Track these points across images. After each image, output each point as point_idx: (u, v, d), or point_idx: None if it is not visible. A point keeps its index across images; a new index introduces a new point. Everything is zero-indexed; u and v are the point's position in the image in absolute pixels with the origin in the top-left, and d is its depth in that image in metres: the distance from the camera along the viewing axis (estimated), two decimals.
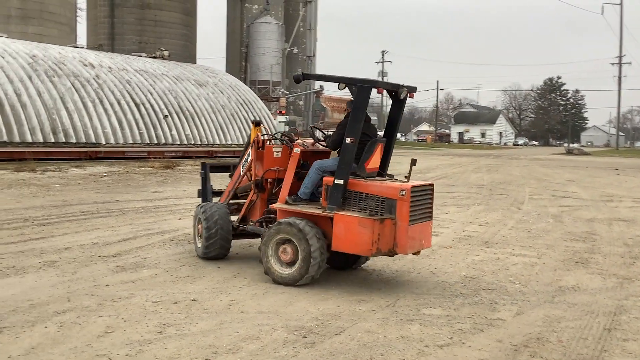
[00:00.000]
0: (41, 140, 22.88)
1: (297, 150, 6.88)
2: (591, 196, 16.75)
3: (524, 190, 17.93)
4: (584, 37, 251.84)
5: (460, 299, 6.07)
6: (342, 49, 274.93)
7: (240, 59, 65.72)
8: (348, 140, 6.31)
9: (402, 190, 6.04)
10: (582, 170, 30.75)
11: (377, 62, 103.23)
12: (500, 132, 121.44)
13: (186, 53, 55.16)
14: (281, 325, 5.06)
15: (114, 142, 25.58)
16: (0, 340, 4.52)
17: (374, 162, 6.66)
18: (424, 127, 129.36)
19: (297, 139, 7.20)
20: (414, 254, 6.59)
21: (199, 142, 29.71)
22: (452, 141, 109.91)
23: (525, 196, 16.29)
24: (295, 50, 65.37)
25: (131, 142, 26.32)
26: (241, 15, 66.24)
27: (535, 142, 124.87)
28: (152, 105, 28.44)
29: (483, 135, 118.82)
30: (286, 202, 6.67)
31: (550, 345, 4.81)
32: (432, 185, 6.64)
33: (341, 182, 6.22)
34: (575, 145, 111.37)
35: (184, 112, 29.97)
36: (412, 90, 6.74)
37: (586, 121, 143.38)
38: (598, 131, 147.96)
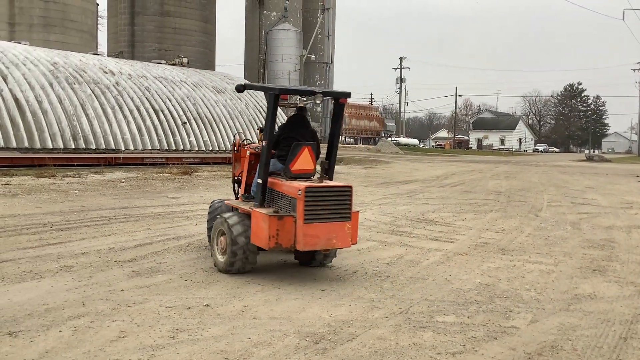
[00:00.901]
0: (61, 146, 23.17)
1: (248, 152, 7.74)
2: (610, 203, 16.53)
3: (543, 197, 17.76)
4: (605, 43, 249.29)
5: (474, 306, 6.02)
6: (360, 55, 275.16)
7: (258, 66, 66.09)
8: (263, 143, 6.94)
9: (299, 190, 6.50)
10: (602, 177, 30.37)
11: (394, 69, 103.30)
12: (520, 139, 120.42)
13: (205, 60, 55.61)
14: (293, 332, 5.06)
15: (133, 149, 25.82)
16: (15, 344, 4.58)
17: (303, 163, 7.00)
18: (442, 133, 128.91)
19: (251, 143, 8.06)
20: (323, 252, 7.10)
21: (217, 149, 29.87)
22: (470, 147, 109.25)
23: (543, 203, 16.13)
24: (313, 57, 65.56)
25: (150, 148, 26.54)
26: (259, 23, 66.66)
27: (555, 149, 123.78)
28: (170, 112, 28.68)
29: (502, 141, 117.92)
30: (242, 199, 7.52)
31: (565, 353, 4.75)
32: (347, 186, 6.83)
33: (260, 181, 6.93)
34: (596, 151, 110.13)
35: (202, 118, 30.18)
36: (341, 96, 7.13)
37: (607, 127, 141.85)
38: (619, 137, 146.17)
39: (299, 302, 5.96)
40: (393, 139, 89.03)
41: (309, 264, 7.55)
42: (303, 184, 6.57)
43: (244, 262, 6.91)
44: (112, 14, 57.09)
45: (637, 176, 31.29)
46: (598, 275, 7.59)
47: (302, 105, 7.71)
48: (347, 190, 6.78)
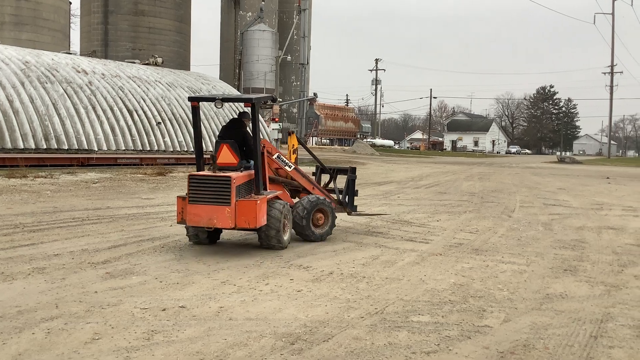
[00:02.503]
0: (33, 146, 22.81)
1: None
2: (581, 204, 16.84)
3: (515, 198, 18.01)
4: (576, 47, 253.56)
5: (448, 306, 6.09)
6: (337, 56, 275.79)
7: (234, 66, 65.80)
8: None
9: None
10: (574, 178, 30.90)
11: (370, 70, 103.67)
12: (493, 141, 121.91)
13: (180, 60, 55.24)
14: (269, 332, 5.07)
15: (106, 149, 25.53)
16: None
17: (225, 157, 8.46)
18: (418, 135, 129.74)
19: None
20: (207, 229, 8.47)
21: (192, 150, 29.67)
22: (445, 149, 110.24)
23: (516, 204, 16.36)
24: (289, 58, 65.55)
25: (124, 148, 26.27)
26: (235, 23, 66.41)
27: (527, 151, 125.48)
28: (145, 112, 28.41)
29: (476, 143, 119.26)
30: None
31: (537, 352, 4.83)
32: (226, 177, 8.02)
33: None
34: (568, 153, 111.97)
35: (177, 119, 29.95)
36: (245, 101, 8.85)
37: (578, 130, 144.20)
38: (590, 140, 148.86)
39: (275, 302, 5.97)
40: (369, 140, 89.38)
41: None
42: (196, 173, 8.33)
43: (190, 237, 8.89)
44: (85, 13, 56.37)
45: (607, 178, 31.90)
46: (569, 275, 7.73)
47: (243, 111, 9.49)
48: (226, 181, 7.99)
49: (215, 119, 31.62)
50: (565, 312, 6.01)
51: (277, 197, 9.01)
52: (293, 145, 10.30)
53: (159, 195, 15.48)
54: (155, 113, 28.98)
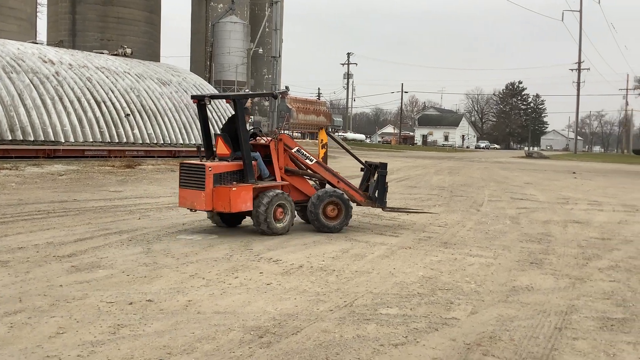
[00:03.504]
0: None
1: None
2: (548, 199, 17.13)
3: (484, 193, 18.24)
4: (545, 43, 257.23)
5: (417, 298, 6.14)
6: (309, 50, 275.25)
7: (205, 58, 65.20)
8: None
9: None
10: (541, 173, 31.42)
11: (342, 64, 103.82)
12: (463, 135, 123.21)
13: (149, 51, 54.47)
14: (238, 326, 5.04)
15: (73, 141, 25.07)
16: None
17: (220, 149, 9.41)
18: (389, 129, 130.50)
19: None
20: (190, 210, 9.39)
21: (162, 142, 29.35)
22: (416, 143, 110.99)
23: (484, 198, 16.56)
24: (261, 50, 65.22)
25: (91, 140, 25.84)
26: (206, 14, 65.76)
27: (496, 146, 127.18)
28: (113, 104, 27.96)
29: (446, 138, 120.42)
30: None
31: (502, 343, 4.90)
32: (200, 165, 8.96)
33: None
34: (535, 148, 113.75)
35: (146, 110, 29.56)
36: (197, 98, 9.55)
37: (546, 125, 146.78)
38: (557, 135, 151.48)
39: (244, 296, 5.94)
40: (340, 134, 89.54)
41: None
42: (184, 162, 9.35)
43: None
44: (52, 2, 55.20)
45: (574, 173, 32.52)
46: (535, 268, 7.85)
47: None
48: (201, 169, 8.92)
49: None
50: (530, 304, 6.11)
51: (277, 188, 9.50)
52: (322, 140, 10.63)
53: (127, 188, 15.28)
54: (124, 105, 28.55)
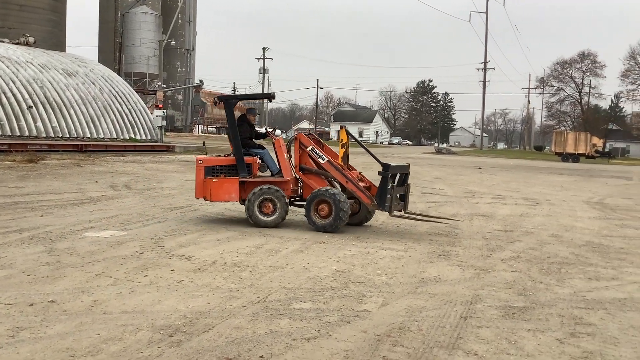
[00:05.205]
0: None
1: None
2: (455, 193, 17.78)
3: None
4: (454, 43, 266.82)
5: (330, 292, 6.20)
6: (224, 44, 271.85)
7: (114, 49, 62.92)
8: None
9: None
10: (449, 168, 32.57)
11: (258, 59, 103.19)
12: (377, 131, 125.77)
13: (54, 40, 51.96)
14: (146, 325, 4.90)
15: None
16: None
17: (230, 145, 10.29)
18: (304, 124, 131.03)
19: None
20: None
21: (67, 135, 28.09)
22: (331, 139, 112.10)
23: None
24: (173, 42, 63.66)
25: None
26: (115, 3, 63.44)
27: (408, 142, 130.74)
28: (14, 95, 26.47)
29: (360, 133, 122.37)
30: None
31: (411, 334, 5.04)
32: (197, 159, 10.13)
33: None
34: (444, 145, 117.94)
35: (50, 102, 28.19)
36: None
37: (454, 122, 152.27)
38: (465, 132, 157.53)
39: (154, 294, 5.78)
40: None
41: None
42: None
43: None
44: None
45: (479, 168, 33.94)
46: (443, 259, 8.13)
47: (250, 107, 11.22)
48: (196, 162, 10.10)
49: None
50: (438, 295, 6.31)
51: (278, 184, 10.00)
52: (342, 140, 10.64)
53: (29, 184, 14.50)
54: (26, 96, 27.09)
